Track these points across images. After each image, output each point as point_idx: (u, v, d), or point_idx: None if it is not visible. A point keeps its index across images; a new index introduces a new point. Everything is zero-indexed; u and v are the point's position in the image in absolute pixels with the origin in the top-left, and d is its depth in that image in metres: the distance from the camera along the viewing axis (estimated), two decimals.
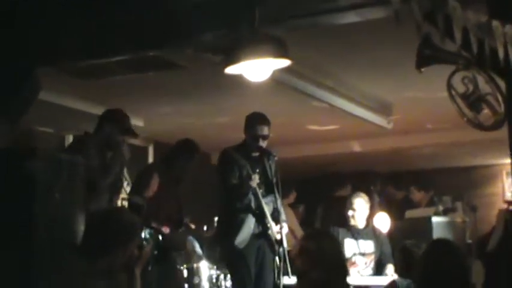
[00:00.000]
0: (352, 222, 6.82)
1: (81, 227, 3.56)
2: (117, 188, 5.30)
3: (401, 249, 5.46)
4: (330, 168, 10.74)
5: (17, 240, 3.47)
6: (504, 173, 11.43)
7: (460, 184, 11.32)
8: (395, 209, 8.31)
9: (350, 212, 6.83)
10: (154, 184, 5.87)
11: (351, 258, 6.71)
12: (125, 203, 6.07)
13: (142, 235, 5.44)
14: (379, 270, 6.68)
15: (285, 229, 5.80)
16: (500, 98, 3.74)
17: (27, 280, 3.23)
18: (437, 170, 11.23)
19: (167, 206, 6.03)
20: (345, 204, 6.99)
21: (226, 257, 5.93)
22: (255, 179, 5.54)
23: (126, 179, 5.74)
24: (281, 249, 5.60)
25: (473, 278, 3.71)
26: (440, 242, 4.35)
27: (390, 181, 10.21)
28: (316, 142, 9.58)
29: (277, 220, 5.66)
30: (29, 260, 3.33)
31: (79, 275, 3.01)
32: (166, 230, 5.92)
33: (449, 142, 9.15)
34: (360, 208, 6.84)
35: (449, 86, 4.00)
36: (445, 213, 7.78)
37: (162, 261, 5.83)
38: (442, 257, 3.77)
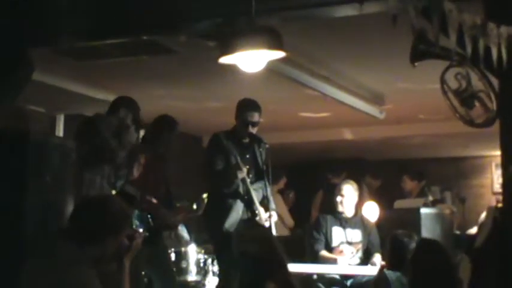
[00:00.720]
0: (340, 208, 6.85)
1: None
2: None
3: (392, 239, 5.47)
4: (322, 155, 10.77)
5: (7, 224, 3.46)
6: (493, 164, 11.48)
7: (449, 174, 11.39)
8: (382, 198, 8.33)
9: (338, 198, 6.87)
10: (140, 166, 5.84)
11: (338, 246, 6.74)
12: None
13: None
14: (366, 259, 6.72)
15: (274, 217, 5.82)
16: (492, 96, 3.77)
17: (16, 265, 3.21)
18: (427, 160, 11.28)
19: (154, 185, 6.00)
20: (336, 188, 7.03)
21: (214, 241, 5.95)
22: (243, 171, 5.56)
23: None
24: None
25: (461, 274, 3.74)
26: (427, 242, 4.61)
27: (379, 169, 10.26)
28: (308, 129, 9.60)
29: (266, 207, 5.68)
30: (18, 246, 3.32)
31: (68, 262, 3.00)
32: (153, 201, 5.89)
33: (440, 133, 9.19)
34: (348, 194, 6.87)
35: (443, 82, 4.01)
36: (433, 204, 7.81)
37: (152, 242, 5.84)
38: (430, 256, 3.96)
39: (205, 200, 6.22)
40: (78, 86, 6.91)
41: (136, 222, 5.57)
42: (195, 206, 6.57)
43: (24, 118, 5.16)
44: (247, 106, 5.73)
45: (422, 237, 5.95)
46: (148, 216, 5.73)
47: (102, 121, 5.22)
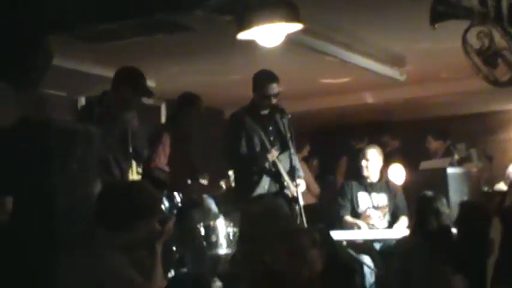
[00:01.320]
0: (366, 173, 6.84)
1: None
2: (137, 155, 5.28)
3: (418, 200, 5.46)
4: (344, 120, 10.72)
5: (36, 213, 3.48)
6: None
7: (474, 131, 11.27)
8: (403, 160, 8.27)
9: (364, 163, 6.85)
10: (166, 147, 5.83)
11: (365, 211, 6.74)
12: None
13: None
14: (394, 223, 6.71)
15: (303, 186, 5.81)
16: None
17: (45, 255, 3.24)
18: (450, 118, 11.18)
19: (181, 164, 6.02)
20: (360, 154, 7.00)
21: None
22: (274, 154, 5.53)
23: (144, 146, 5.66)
24: (297, 207, 5.62)
25: (492, 234, 3.72)
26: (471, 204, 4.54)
27: (401, 131, 10.17)
28: (329, 95, 9.54)
29: (294, 177, 5.67)
30: (48, 235, 3.33)
31: (99, 249, 3.01)
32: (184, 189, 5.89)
33: (463, 90, 9.07)
34: (373, 159, 6.85)
35: (464, 42, 3.97)
36: (460, 163, 7.75)
37: (180, 220, 5.86)
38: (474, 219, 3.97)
39: (232, 177, 6.22)
40: (97, 68, 6.92)
41: (165, 203, 5.58)
42: (222, 185, 6.56)
43: (47, 104, 5.13)
44: (265, 79, 5.66)
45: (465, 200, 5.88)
46: (176, 194, 5.75)
47: (94, 107, 5.08)
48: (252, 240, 3.81)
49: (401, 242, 5.55)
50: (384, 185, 6.90)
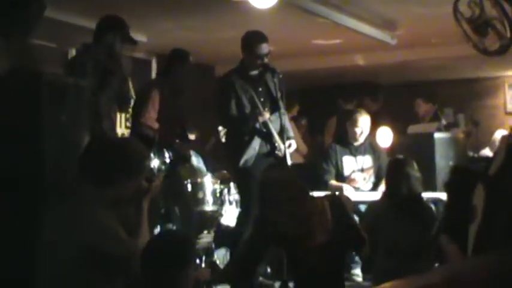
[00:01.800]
0: (357, 140, 6.82)
1: None
2: (124, 103, 5.28)
3: (390, 164, 5.51)
4: (334, 81, 10.74)
5: (24, 166, 3.50)
6: (506, 85, 11.42)
7: (462, 96, 11.34)
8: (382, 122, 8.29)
9: (358, 130, 6.80)
10: (156, 102, 5.84)
11: (350, 175, 6.77)
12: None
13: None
14: (378, 184, 6.76)
15: (293, 146, 5.85)
16: (506, 23, 3.75)
17: (35, 208, 3.27)
18: (439, 82, 11.22)
19: (170, 119, 6.04)
20: (349, 119, 6.98)
21: (234, 178, 6.02)
22: (265, 116, 5.55)
23: (131, 96, 5.69)
24: None
25: (475, 201, 3.77)
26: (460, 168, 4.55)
27: (392, 93, 10.18)
28: (320, 55, 9.55)
29: (284, 138, 5.71)
30: (36, 189, 3.36)
31: (87, 203, 3.04)
32: (172, 145, 5.93)
33: (453, 56, 9.10)
34: (365, 126, 6.84)
35: (456, 9, 4.00)
36: (447, 128, 7.81)
37: (168, 177, 5.91)
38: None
39: (222, 132, 6.24)
40: (87, 21, 6.85)
41: (153, 159, 5.61)
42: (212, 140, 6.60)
43: (38, 55, 5.11)
44: (256, 39, 5.65)
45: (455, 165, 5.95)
46: (164, 149, 5.78)
47: (82, 58, 5.04)
48: (267, 205, 3.92)
49: (372, 205, 5.61)
50: (368, 146, 6.89)
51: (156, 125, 5.78)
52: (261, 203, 4.10)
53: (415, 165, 5.16)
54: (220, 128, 6.71)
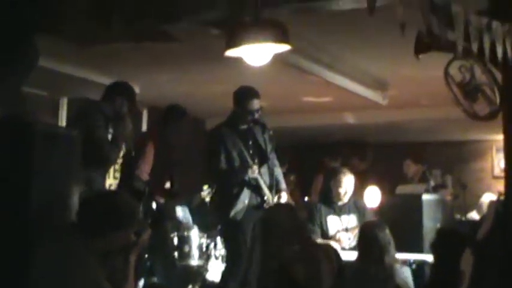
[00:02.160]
0: (339, 198, 6.74)
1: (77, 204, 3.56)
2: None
3: (361, 229, 5.48)
4: (322, 138, 10.78)
5: (13, 215, 3.48)
6: (494, 148, 11.50)
7: (450, 158, 11.40)
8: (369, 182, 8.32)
9: (342, 190, 6.73)
10: (150, 156, 5.87)
11: (335, 235, 6.70)
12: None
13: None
14: None
15: (284, 197, 5.85)
16: (496, 89, 3.79)
17: (24, 259, 3.23)
18: (427, 144, 11.29)
19: (161, 173, 6.05)
20: (333, 178, 6.88)
21: (222, 229, 6.01)
22: (254, 169, 5.57)
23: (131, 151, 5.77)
24: None
25: (463, 266, 3.77)
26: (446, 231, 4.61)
27: (357, 151, 10.22)
28: (310, 113, 9.61)
29: (276, 189, 5.74)
30: (25, 239, 3.33)
31: (75, 254, 3.03)
32: (160, 199, 5.96)
33: (442, 118, 9.17)
34: (349, 186, 6.78)
35: (446, 74, 4.04)
36: (435, 190, 7.84)
37: (155, 230, 5.88)
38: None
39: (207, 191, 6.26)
40: (82, 71, 6.92)
41: (141, 212, 5.60)
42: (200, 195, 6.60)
43: (29, 104, 5.13)
44: (247, 95, 5.71)
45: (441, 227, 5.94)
46: (152, 202, 5.78)
47: (95, 112, 5.16)
48: (270, 243, 3.92)
49: (349, 267, 5.57)
50: (352, 205, 6.81)
51: (147, 178, 5.80)
52: (266, 242, 4.09)
53: (387, 230, 5.11)
54: (205, 187, 6.76)
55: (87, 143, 4.33)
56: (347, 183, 6.77)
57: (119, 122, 5.25)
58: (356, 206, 6.85)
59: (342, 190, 6.74)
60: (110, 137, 5.25)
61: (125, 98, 5.37)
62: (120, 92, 5.40)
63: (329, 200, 6.85)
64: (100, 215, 3.12)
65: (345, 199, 6.78)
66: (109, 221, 3.11)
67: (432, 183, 8.20)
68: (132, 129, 5.43)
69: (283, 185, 5.91)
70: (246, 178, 5.65)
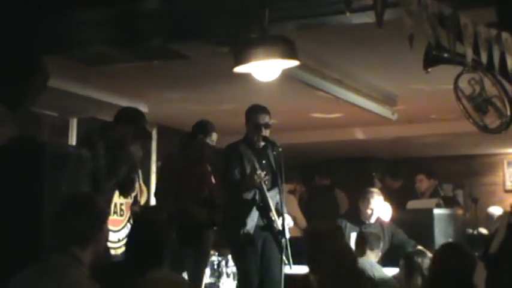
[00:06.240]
0: (368, 219, 6.74)
1: None
2: (126, 188, 5.30)
3: (405, 260, 5.45)
4: (334, 155, 10.76)
5: (24, 233, 3.50)
6: (505, 162, 11.46)
7: (461, 172, 11.36)
8: (397, 198, 8.28)
9: (369, 211, 6.73)
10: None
11: None
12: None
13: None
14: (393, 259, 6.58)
15: (289, 221, 5.84)
16: (506, 101, 3.78)
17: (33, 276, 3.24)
18: (438, 158, 11.25)
19: (192, 186, 6.10)
20: (361, 198, 6.86)
21: (232, 248, 6.00)
22: (261, 176, 5.57)
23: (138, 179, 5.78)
24: (283, 240, 5.66)
25: (475, 279, 3.74)
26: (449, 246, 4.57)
27: (389, 170, 10.18)
28: (320, 129, 9.60)
29: (280, 213, 5.73)
30: (34, 257, 3.34)
31: (72, 265, 3.05)
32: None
33: (452, 132, 9.15)
34: (377, 207, 6.78)
35: (456, 87, 4.02)
36: (446, 204, 7.79)
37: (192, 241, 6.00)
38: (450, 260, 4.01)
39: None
40: (91, 91, 6.94)
41: None
42: None
43: (39, 124, 5.16)
44: (257, 110, 5.82)
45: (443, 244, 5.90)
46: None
47: (96, 140, 5.13)
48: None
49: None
50: (378, 224, 6.76)
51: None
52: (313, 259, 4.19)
53: (428, 256, 5.10)
54: None
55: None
56: (378, 203, 6.78)
57: (120, 149, 5.15)
58: (381, 225, 6.78)
59: (374, 212, 6.74)
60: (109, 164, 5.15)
61: (130, 124, 5.21)
62: (125, 118, 5.25)
63: (354, 217, 6.85)
64: (86, 221, 3.15)
65: (372, 220, 6.76)
66: (94, 224, 3.16)
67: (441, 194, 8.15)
68: (140, 150, 5.35)
69: (284, 209, 5.90)
70: (256, 198, 5.67)
